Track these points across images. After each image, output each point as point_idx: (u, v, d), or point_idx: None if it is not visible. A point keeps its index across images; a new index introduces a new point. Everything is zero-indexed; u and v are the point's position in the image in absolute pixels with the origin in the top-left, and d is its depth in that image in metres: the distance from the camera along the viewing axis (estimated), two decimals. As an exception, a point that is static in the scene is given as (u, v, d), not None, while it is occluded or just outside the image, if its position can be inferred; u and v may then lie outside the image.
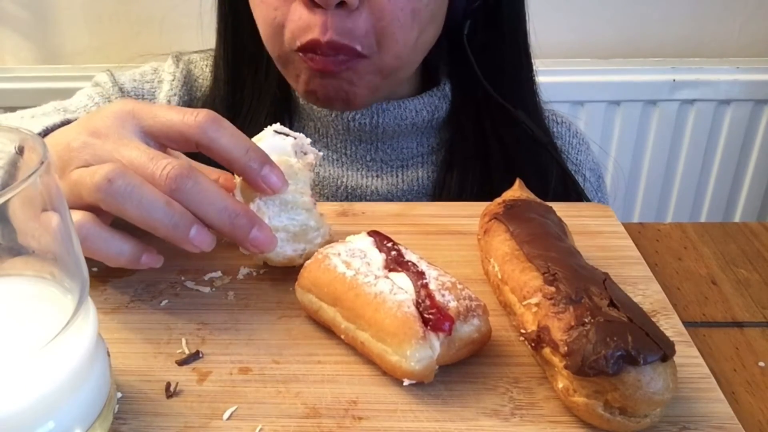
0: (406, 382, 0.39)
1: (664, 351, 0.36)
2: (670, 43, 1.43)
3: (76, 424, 0.34)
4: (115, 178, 0.42)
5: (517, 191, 0.53)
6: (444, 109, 0.76)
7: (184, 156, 0.52)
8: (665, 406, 0.37)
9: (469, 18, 0.71)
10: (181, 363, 0.42)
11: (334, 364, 0.42)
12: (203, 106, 0.77)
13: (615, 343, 0.36)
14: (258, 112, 0.75)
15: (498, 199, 0.53)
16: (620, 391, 0.36)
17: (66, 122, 0.61)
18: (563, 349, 0.37)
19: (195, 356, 0.43)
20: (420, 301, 0.40)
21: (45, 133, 0.59)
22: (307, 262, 0.46)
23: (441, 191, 0.76)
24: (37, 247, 0.34)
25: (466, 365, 0.42)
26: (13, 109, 0.75)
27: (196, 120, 0.45)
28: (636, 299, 0.43)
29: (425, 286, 0.41)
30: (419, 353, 0.38)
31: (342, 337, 0.43)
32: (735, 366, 0.47)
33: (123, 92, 0.79)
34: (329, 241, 0.49)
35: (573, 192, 0.76)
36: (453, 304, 0.40)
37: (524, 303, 0.42)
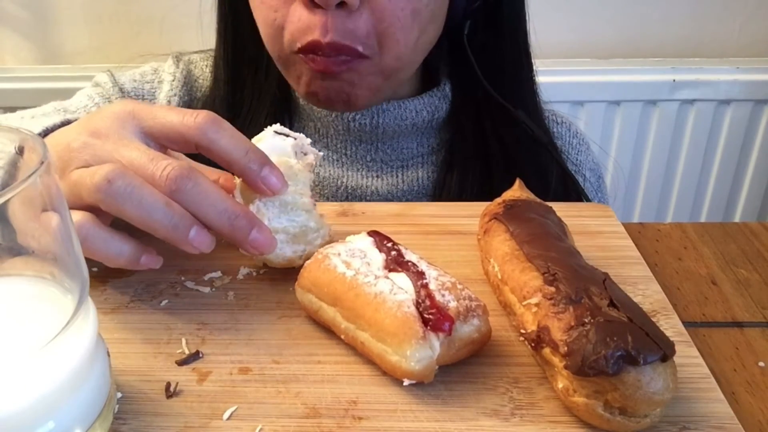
0: (406, 382, 0.39)
1: (664, 351, 0.36)
2: (670, 43, 1.43)
3: (76, 424, 0.34)
4: (114, 178, 0.42)
5: (517, 191, 0.53)
6: (444, 109, 0.76)
7: (184, 157, 0.52)
8: (665, 406, 0.37)
9: (470, 18, 0.71)
10: (181, 363, 0.42)
11: (334, 364, 0.42)
12: (203, 107, 0.78)
13: (615, 343, 0.36)
14: (258, 113, 0.75)
15: (498, 199, 0.53)
16: (620, 391, 0.36)
17: (66, 122, 0.61)
18: (563, 349, 0.37)
19: (195, 356, 0.43)
20: (420, 301, 0.40)
21: (45, 133, 0.59)
22: (307, 262, 0.46)
23: (441, 191, 0.76)
24: (37, 247, 0.34)
25: (466, 365, 0.42)
26: (13, 109, 0.75)
27: (196, 121, 0.45)
28: (636, 299, 0.43)
29: (425, 286, 0.41)
30: (419, 353, 0.38)
31: (342, 337, 0.43)
32: (735, 366, 0.47)
33: (123, 92, 0.79)
34: (329, 242, 0.49)
35: (573, 192, 0.76)
36: (453, 304, 0.40)
37: (524, 303, 0.42)
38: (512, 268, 0.44)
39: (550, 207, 0.51)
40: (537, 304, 0.40)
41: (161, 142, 0.47)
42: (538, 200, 0.52)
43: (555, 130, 0.83)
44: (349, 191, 0.76)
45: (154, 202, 0.43)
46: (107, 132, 0.46)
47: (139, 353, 0.43)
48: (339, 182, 0.76)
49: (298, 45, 0.62)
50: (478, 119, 0.76)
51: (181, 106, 0.79)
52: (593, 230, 0.56)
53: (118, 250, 0.45)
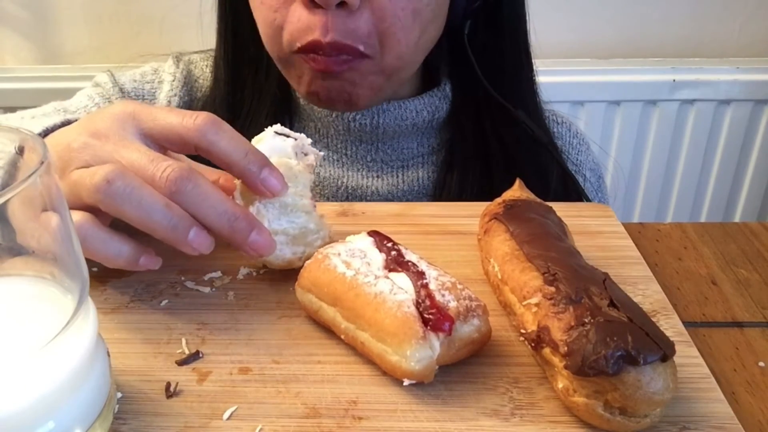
0: (406, 382, 0.39)
1: (664, 351, 0.36)
2: (670, 43, 1.43)
3: (76, 424, 0.34)
4: (114, 179, 0.42)
5: (517, 191, 0.53)
6: (444, 109, 0.76)
7: (185, 158, 0.52)
8: (665, 406, 0.37)
9: (470, 18, 0.71)
10: (181, 363, 0.42)
11: (334, 364, 0.42)
12: (203, 107, 0.78)
13: (615, 343, 0.36)
14: (258, 113, 0.75)
15: (498, 199, 0.53)
16: (620, 391, 0.36)
17: (66, 123, 0.61)
18: (563, 349, 0.37)
19: (195, 356, 0.43)
20: (420, 301, 0.40)
21: (45, 133, 0.59)
22: (307, 262, 0.46)
23: (441, 191, 0.76)
24: (37, 247, 0.34)
25: (466, 365, 0.42)
26: (13, 109, 0.75)
27: (195, 123, 0.45)
28: (636, 299, 0.43)
29: (425, 286, 0.41)
30: (419, 353, 0.38)
31: (342, 337, 0.43)
32: (735, 366, 0.47)
33: (123, 93, 0.79)
34: (329, 243, 0.49)
35: (573, 192, 0.76)
36: (453, 304, 0.40)
37: (524, 303, 0.42)
38: (512, 268, 0.44)
39: (550, 207, 0.51)
40: (537, 304, 0.40)
41: (161, 143, 0.47)
42: (538, 200, 0.52)
43: (555, 130, 0.83)
44: (350, 191, 0.76)
45: (153, 202, 0.43)
46: (107, 133, 0.46)
47: (139, 353, 0.43)
48: (339, 182, 0.76)
49: (298, 45, 0.62)
50: (479, 119, 0.76)
51: (182, 106, 0.79)
52: (593, 230, 0.56)
53: (117, 250, 0.45)
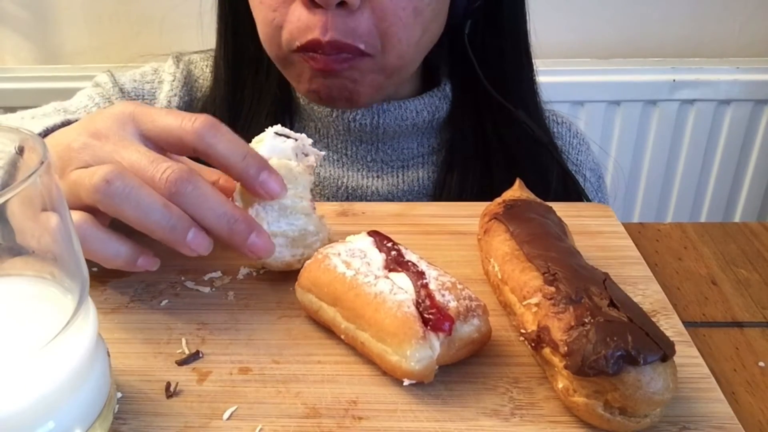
0: (406, 382, 0.39)
1: (664, 351, 0.36)
2: (670, 43, 1.43)
3: (76, 424, 0.34)
4: (113, 179, 0.42)
5: (517, 191, 0.53)
6: (444, 109, 0.76)
7: (186, 159, 0.51)
8: (665, 406, 0.37)
9: (470, 18, 0.71)
10: (181, 363, 0.42)
11: (334, 364, 0.42)
12: (204, 107, 0.78)
13: (615, 343, 0.36)
14: (259, 113, 0.75)
15: (498, 199, 0.53)
16: (620, 391, 0.36)
17: (66, 123, 0.61)
18: (563, 349, 0.37)
19: (195, 356, 0.43)
20: (420, 301, 0.40)
21: (45, 133, 0.59)
22: (307, 262, 0.46)
23: (441, 191, 0.76)
24: (37, 247, 0.34)
25: (466, 365, 0.42)
26: (13, 109, 0.75)
27: (194, 126, 0.45)
28: (636, 299, 0.43)
29: (425, 286, 0.41)
30: (419, 353, 0.38)
31: (342, 337, 0.43)
32: (735, 366, 0.47)
33: (123, 93, 0.79)
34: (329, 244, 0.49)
35: (573, 192, 0.76)
36: (453, 304, 0.40)
37: (524, 303, 0.42)
38: (512, 268, 0.44)
39: (550, 207, 0.51)
40: (537, 304, 0.40)
41: (160, 145, 0.47)
42: (538, 200, 0.52)
43: (555, 130, 0.83)
44: (350, 191, 0.76)
45: (152, 203, 0.42)
46: (107, 133, 0.46)
47: (139, 353, 0.43)
48: (339, 182, 0.76)
49: (297, 43, 0.62)
50: (479, 119, 0.76)
51: (182, 106, 0.79)
52: (593, 230, 0.56)
53: (115, 251, 0.45)
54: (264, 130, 0.51)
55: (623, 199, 1.53)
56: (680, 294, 0.54)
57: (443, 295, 0.40)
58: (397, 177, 0.76)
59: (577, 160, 0.83)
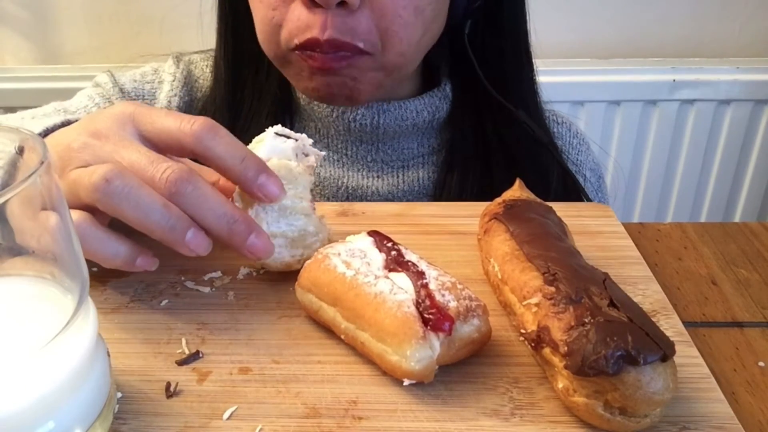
0: (406, 382, 0.39)
1: (664, 351, 0.36)
2: (670, 43, 1.43)
3: (76, 424, 0.34)
4: (113, 178, 0.42)
5: (517, 191, 0.53)
6: (445, 109, 0.76)
7: (186, 158, 0.51)
8: (665, 406, 0.37)
9: (470, 17, 0.71)
10: (181, 363, 0.42)
11: (334, 364, 0.42)
12: (204, 106, 0.78)
13: (615, 343, 0.36)
14: (259, 113, 0.75)
15: (498, 199, 0.53)
16: (620, 391, 0.36)
17: (66, 123, 0.61)
18: (563, 349, 0.37)
19: (195, 356, 0.43)
20: (420, 301, 0.40)
21: (45, 133, 0.59)
22: (307, 261, 0.46)
23: (441, 191, 0.76)
24: (37, 247, 0.34)
25: (466, 365, 0.42)
26: (13, 109, 0.75)
27: (192, 128, 0.45)
28: (636, 299, 0.43)
29: (425, 286, 0.41)
30: (419, 353, 0.38)
31: (342, 337, 0.43)
32: (735, 366, 0.47)
33: (123, 93, 0.79)
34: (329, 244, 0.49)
35: (573, 192, 0.76)
36: (453, 304, 0.40)
37: (524, 303, 0.42)
38: (512, 268, 0.44)
39: (550, 207, 0.51)
40: (537, 304, 0.40)
41: (158, 146, 0.47)
42: (538, 200, 0.52)
43: (555, 130, 0.83)
44: (350, 191, 0.76)
45: (151, 202, 0.42)
46: (107, 133, 0.46)
47: (139, 353, 0.43)
48: (339, 182, 0.76)
49: (296, 41, 0.62)
50: (479, 119, 0.76)
51: (182, 106, 0.79)
52: (593, 230, 0.56)
53: (114, 250, 0.45)
54: (264, 130, 0.51)
55: (623, 199, 1.53)
56: (680, 294, 0.54)
57: (443, 295, 0.40)
58: (397, 177, 0.76)
59: (577, 160, 0.83)
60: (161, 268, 0.47)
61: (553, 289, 0.40)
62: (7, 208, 0.30)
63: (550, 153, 0.76)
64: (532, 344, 0.40)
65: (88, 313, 0.35)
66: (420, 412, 0.39)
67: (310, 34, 0.61)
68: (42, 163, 0.31)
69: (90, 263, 0.39)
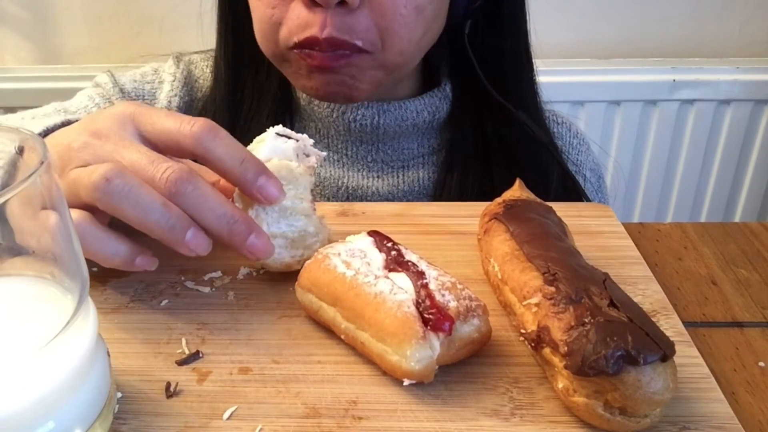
0: (406, 382, 0.39)
1: (664, 351, 0.36)
2: (670, 43, 1.43)
3: (76, 424, 0.34)
4: (113, 177, 0.42)
5: (517, 191, 0.53)
6: (445, 109, 0.76)
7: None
8: (665, 406, 0.37)
9: (470, 17, 0.71)
10: (181, 363, 0.42)
11: (334, 364, 0.42)
12: (204, 107, 0.78)
13: (615, 343, 0.36)
14: (259, 113, 0.75)
15: (498, 199, 0.53)
16: (620, 391, 0.36)
17: (66, 123, 0.61)
18: (563, 349, 0.37)
19: (195, 356, 0.43)
20: (420, 301, 0.40)
21: (45, 133, 0.59)
22: (307, 261, 0.46)
23: (441, 191, 0.76)
24: (37, 247, 0.34)
25: (466, 365, 0.42)
26: (13, 110, 0.75)
27: (192, 130, 0.45)
28: (636, 299, 0.43)
29: (425, 286, 0.41)
30: (419, 353, 0.38)
31: (342, 337, 0.43)
32: (735, 366, 0.47)
33: (123, 93, 0.79)
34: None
35: (573, 192, 0.76)
36: (453, 304, 0.40)
37: (524, 303, 0.42)
38: (512, 268, 0.44)
39: (550, 207, 0.51)
40: (537, 304, 0.40)
41: (158, 147, 0.47)
42: (538, 200, 0.52)
43: (555, 130, 0.83)
44: (350, 191, 0.76)
45: (151, 202, 0.42)
46: (108, 133, 0.46)
47: (139, 353, 0.43)
48: (340, 182, 0.76)
49: (295, 40, 0.62)
50: (479, 119, 0.76)
51: (182, 107, 0.79)
52: (593, 230, 0.56)
53: (113, 250, 0.45)
54: (264, 130, 0.51)
55: (623, 199, 1.53)
56: (680, 294, 0.54)
57: (443, 295, 0.40)
58: (398, 177, 0.76)
59: (577, 160, 0.83)
60: (161, 268, 0.47)
61: (553, 289, 0.40)
62: (7, 208, 0.30)
63: (550, 153, 0.76)
64: (532, 344, 0.40)
65: (88, 313, 0.35)
66: (420, 412, 0.39)
67: (309, 32, 0.61)
68: (42, 163, 0.31)
69: (90, 263, 0.39)
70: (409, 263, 0.43)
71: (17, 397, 0.31)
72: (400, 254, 0.44)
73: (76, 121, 0.53)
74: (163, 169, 0.43)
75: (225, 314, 0.47)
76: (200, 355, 0.43)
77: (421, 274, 0.42)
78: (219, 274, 0.51)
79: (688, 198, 1.54)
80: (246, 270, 0.51)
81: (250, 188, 0.46)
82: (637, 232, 0.62)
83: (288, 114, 0.76)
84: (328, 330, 0.44)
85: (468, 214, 0.57)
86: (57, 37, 1.40)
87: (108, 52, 1.41)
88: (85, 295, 0.34)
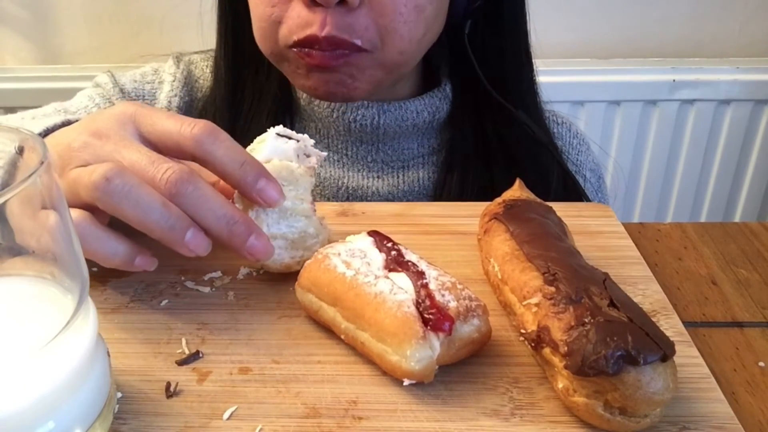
0: (406, 382, 0.39)
1: (664, 351, 0.36)
2: (670, 43, 1.43)
3: (76, 424, 0.34)
4: (113, 177, 0.42)
5: (517, 191, 0.53)
6: (445, 109, 0.76)
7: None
8: (665, 406, 0.37)
9: (470, 17, 0.71)
10: (181, 363, 0.42)
11: (334, 364, 0.42)
12: (204, 107, 0.78)
13: (615, 343, 0.36)
14: (259, 113, 0.75)
15: (498, 199, 0.53)
16: (620, 391, 0.36)
17: (67, 123, 0.61)
18: (563, 349, 0.37)
19: (195, 356, 0.43)
20: (420, 301, 0.40)
21: (45, 133, 0.59)
22: (307, 261, 0.46)
23: (441, 192, 0.76)
24: (37, 247, 0.34)
25: (466, 365, 0.42)
26: (13, 110, 0.75)
27: (192, 132, 0.45)
28: (636, 299, 0.43)
29: (425, 286, 0.41)
30: (419, 353, 0.38)
31: (342, 337, 0.43)
32: (735, 366, 0.47)
33: (124, 93, 0.79)
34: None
35: (573, 192, 0.76)
36: (453, 304, 0.40)
37: (524, 303, 0.42)
38: (512, 268, 0.44)
39: (550, 207, 0.51)
40: (537, 304, 0.40)
41: (158, 148, 0.47)
42: (538, 200, 0.52)
43: (555, 130, 0.83)
44: (350, 192, 0.76)
45: (151, 202, 0.42)
46: (108, 133, 0.46)
47: (139, 353, 0.43)
48: (340, 183, 0.76)
49: (295, 38, 0.62)
50: (479, 119, 0.76)
51: (182, 107, 0.79)
52: (593, 230, 0.56)
53: (113, 249, 0.45)
54: (264, 131, 0.51)
55: (623, 199, 1.53)
56: (680, 294, 0.54)
57: (443, 295, 0.40)
58: (398, 177, 0.76)
59: (577, 160, 0.83)
60: (161, 268, 0.47)
61: (553, 289, 0.40)
62: (7, 208, 0.30)
63: (550, 153, 0.76)
64: (532, 344, 0.40)
65: (88, 313, 0.35)
66: (420, 412, 0.39)
67: (309, 30, 0.61)
68: (42, 163, 0.31)
69: (90, 263, 0.39)
70: (409, 263, 0.43)
71: (17, 397, 0.31)
72: (400, 254, 0.44)
73: (76, 121, 0.53)
74: (164, 169, 0.43)
75: (225, 314, 0.47)
76: (200, 355, 0.43)
77: (421, 274, 0.42)
78: (219, 274, 0.51)
79: (688, 198, 1.54)
80: (246, 270, 0.51)
81: (249, 191, 0.46)
82: (637, 232, 0.62)
83: (288, 114, 0.76)
84: (328, 330, 0.44)
85: (468, 214, 0.57)
86: (57, 37, 1.40)
87: (108, 52, 1.41)
88: (85, 295, 0.34)
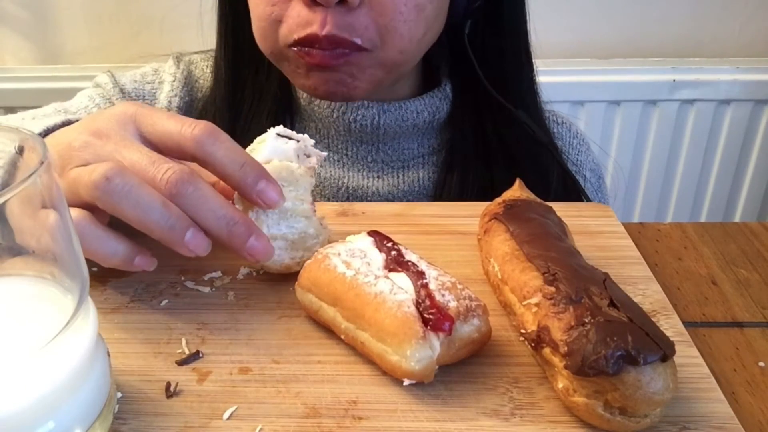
0: (406, 382, 0.39)
1: (664, 351, 0.36)
2: (670, 43, 1.43)
3: (76, 424, 0.34)
4: (113, 176, 0.42)
5: (517, 191, 0.53)
6: (445, 109, 0.76)
7: None
8: (665, 406, 0.37)
9: (470, 17, 0.71)
10: (181, 363, 0.42)
11: (334, 364, 0.42)
12: (204, 107, 0.78)
13: (615, 343, 0.36)
14: (259, 113, 0.75)
15: (498, 199, 0.53)
16: (620, 391, 0.36)
17: (67, 123, 0.61)
18: (563, 349, 0.37)
19: (195, 356, 0.43)
20: (420, 301, 0.40)
21: (46, 133, 0.59)
22: (307, 261, 0.46)
23: (441, 192, 0.76)
24: (37, 247, 0.34)
25: (466, 365, 0.42)
26: (13, 110, 0.75)
27: (193, 133, 0.45)
28: (636, 299, 0.43)
29: (425, 286, 0.41)
30: (419, 353, 0.38)
31: (342, 337, 0.43)
32: (735, 366, 0.47)
33: (124, 93, 0.79)
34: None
35: (573, 192, 0.76)
36: (453, 304, 0.40)
37: (524, 303, 0.42)
38: (512, 268, 0.44)
39: (550, 207, 0.51)
40: (537, 304, 0.40)
41: (159, 148, 0.47)
42: (539, 200, 0.52)
43: (555, 130, 0.83)
44: (350, 192, 0.76)
45: (151, 201, 0.42)
46: (108, 132, 0.46)
47: (139, 353, 0.43)
48: (340, 183, 0.76)
49: (295, 37, 0.62)
50: (479, 119, 0.76)
51: (182, 107, 0.79)
52: (593, 230, 0.56)
53: (112, 249, 0.45)
54: (265, 131, 0.51)
55: (623, 199, 1.53)
56: (680, 294, 0.54)
57: (443, 295, 0.40)
58: (398, 177, 0.76)
59: (577, 160, 0.83)
60: (161, 268, 0.47)
61: (553, 289, 0.40)
62: (7, 208, 0.30)
63: (550, 153, 0.76)
64: (532, 344, 0.40)
65: (88, 313, 0.35)
66: (420, 412, 0.39)
67: (309, 29, 0.61)
68: (42, 162, 0.31)
69: (90, 263, 0.39)
70: (409, 263, 0.43)
71: (17, 397, 0.31)
72: (400, 254, 0.44)
73: (77, 121, 0.53)
74: (164, 169, 0.43)
75: (225, 314, 0.47)
76: (200, 355, 0.43)
77: (421, 274, 0.42)
78: (219, 274, 0.51)
79: (688, 198, 1.54)
80: (246, 270, 0.51)
81: (249, 192, 0.46)
82: (637, 232, 0.62)
83: (288, 114, 0.76)
84: (328, 330, 0.44)
85: (468, 214, 0.57)
86: (57, 37, 1.40)
87: (108, 52, 1.41)
88: (85, 295, 0.34)
